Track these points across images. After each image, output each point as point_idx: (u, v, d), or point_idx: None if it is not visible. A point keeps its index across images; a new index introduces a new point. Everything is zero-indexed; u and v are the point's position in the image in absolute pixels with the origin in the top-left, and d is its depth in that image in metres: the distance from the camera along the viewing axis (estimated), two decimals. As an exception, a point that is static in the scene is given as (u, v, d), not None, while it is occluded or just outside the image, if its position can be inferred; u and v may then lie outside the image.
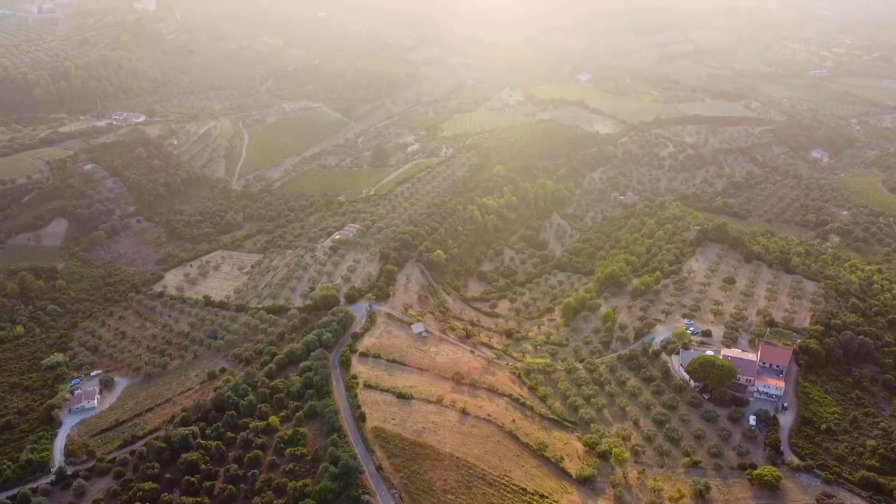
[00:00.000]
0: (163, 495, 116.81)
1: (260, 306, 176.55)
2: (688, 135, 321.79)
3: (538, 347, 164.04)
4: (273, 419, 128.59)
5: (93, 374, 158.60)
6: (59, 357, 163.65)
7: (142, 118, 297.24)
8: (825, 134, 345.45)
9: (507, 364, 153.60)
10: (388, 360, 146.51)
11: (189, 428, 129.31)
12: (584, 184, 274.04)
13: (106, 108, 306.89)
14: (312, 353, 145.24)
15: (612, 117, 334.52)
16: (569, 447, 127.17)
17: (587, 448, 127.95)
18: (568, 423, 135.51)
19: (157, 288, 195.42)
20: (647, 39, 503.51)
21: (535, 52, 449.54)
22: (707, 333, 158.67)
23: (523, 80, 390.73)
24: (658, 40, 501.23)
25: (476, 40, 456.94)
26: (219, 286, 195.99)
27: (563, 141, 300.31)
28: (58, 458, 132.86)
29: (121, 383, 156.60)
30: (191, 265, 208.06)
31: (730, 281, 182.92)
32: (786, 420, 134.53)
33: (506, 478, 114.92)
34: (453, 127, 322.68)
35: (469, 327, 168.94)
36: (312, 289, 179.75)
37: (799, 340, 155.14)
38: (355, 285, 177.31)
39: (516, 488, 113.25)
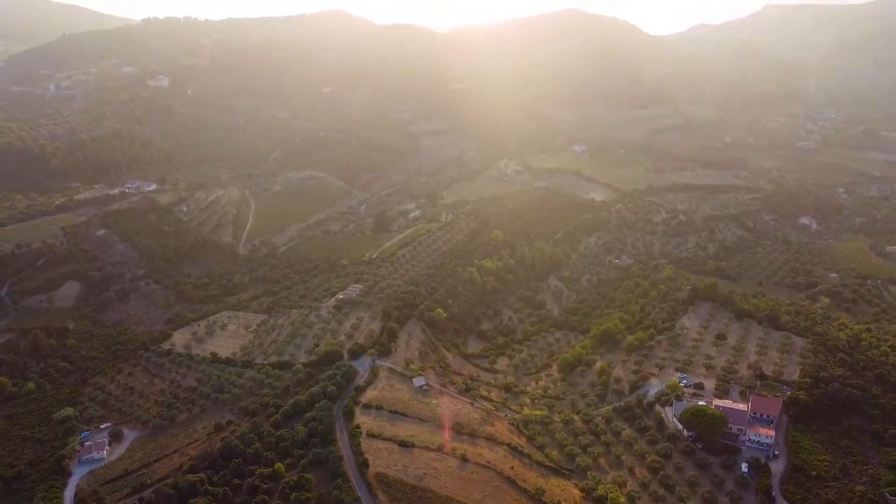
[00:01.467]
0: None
1: (266, 362, 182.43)
2: (680, 202, 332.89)
3: (536, 401, 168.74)
4: (279, 466, 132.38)
5: (102, 426, 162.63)
6: (69, 411, 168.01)
7: (153, 186, 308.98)
8: (813, 202, 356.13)
9: (506, 415, 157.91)
10: (390, 412, 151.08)
11: (197, 475, 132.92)
12: (580, 248, 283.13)
13: (119, 177, 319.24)
14: (317, 405, 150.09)
15: (606, 185, 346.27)
16: (566, 493, 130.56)
17: (584, 494, 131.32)
18: (565, 471, 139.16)
19: (166, 346, 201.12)
20: (639, 113, 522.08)
21: (532, 125, 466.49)
22: (700, 386, 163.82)
23: (521, 151, 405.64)
24: (650, 114, 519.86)
25: (475, 114, 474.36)
26: (225, 344, 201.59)
27: (560, 207, 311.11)
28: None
29: (129, 435, 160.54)
30: (198, 325, 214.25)
31: (721, 337, 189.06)
32: (777, 467, 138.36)
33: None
34: (453, 195, 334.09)
35: (469, 381, 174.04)
36: (317, 345, 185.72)
37: (789, 392, 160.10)
38: (358, 341, 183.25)
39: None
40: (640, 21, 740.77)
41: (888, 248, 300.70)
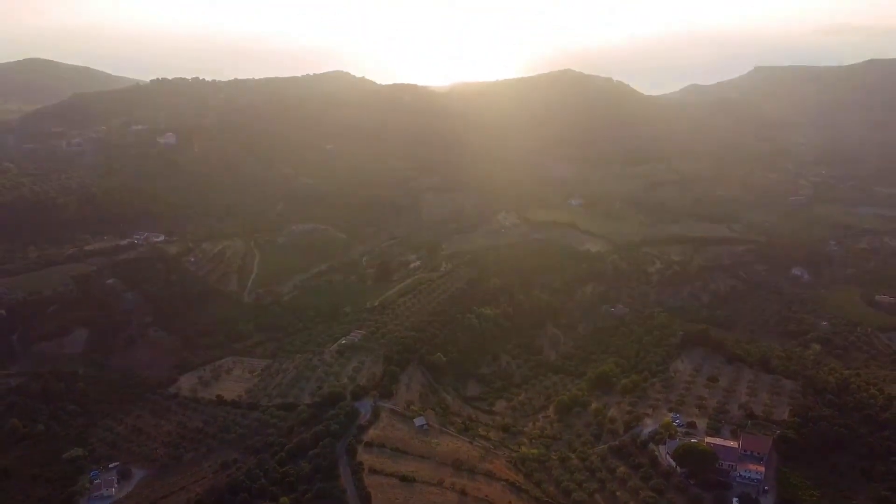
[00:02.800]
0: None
1: (270, 404, 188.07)
2: (674, 253, 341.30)
3: (533, 440, 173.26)
4: (284, 500, 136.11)
5: (111, 465, 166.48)
6: (78, 451, 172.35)
7: (161, 238, 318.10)
8: (805, 253, 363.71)
9: (504, 454, 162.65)
10: (391, 449, 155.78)
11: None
12: (577, 297, 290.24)
13: (128, 228, 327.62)
14: (321, 443, 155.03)
15: (602, 237, 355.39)
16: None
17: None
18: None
19: (172, 390, 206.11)
20: (634, 169, 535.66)
21: (529, 180, 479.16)
22: (692, 425, 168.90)
23: (518, 205, 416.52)
24: (644, 169, 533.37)
25: (473, 169, 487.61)
26: (231, 388, 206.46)
27: (556, 258, 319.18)
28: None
29: (138, 474, 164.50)
30: (204, 369, 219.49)
31: (713, 380, 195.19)
32: (767, 502, 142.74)
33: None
34: (453, 246, 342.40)
35: (468, 422, 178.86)
36: (320, 388, 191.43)
37: (778, 431, 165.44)
38: (361, 384, 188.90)
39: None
40: (633, 81, 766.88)
41: (877, 298, 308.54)
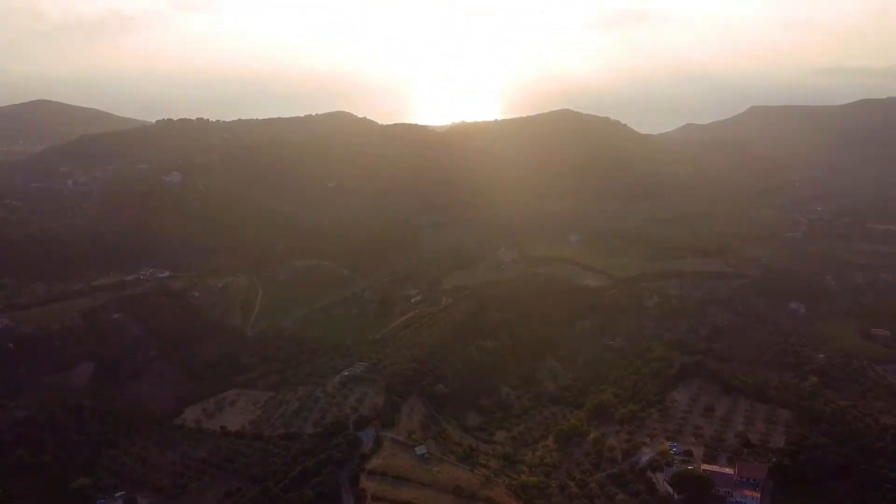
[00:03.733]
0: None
1: (274, 434, 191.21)
2: (671, 287, 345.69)
3: (533, 468, 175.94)
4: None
5: (116, 494, 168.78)
6: (84, 481, 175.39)
7: (166, 273, 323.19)
8: (801, 288, 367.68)
9: (504, 481, 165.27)
10: (393, 477, 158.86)
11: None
12: (576, 330, 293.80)
13: (134, 264, 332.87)
14: (324, 471, 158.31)
15: (600, 272, 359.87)
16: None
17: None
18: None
19: (177, 421, 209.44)
20: (632, 206, 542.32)
21: (528, 217, 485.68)
22: (689, 453, 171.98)
23: (518, 241, 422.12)
24: (643, 206, 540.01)
25: (472, 206, 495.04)
26: (235, 419, 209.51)
27: (556, 292, 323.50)
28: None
29: (143, 503, 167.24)
30: (208, 401, 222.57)
31: (710, 409, 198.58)
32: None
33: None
34: (453, 281, 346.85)
35: (468, 451, 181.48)
36: (323, 418, 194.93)
37: (774, 459, 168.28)
38: (363, 414, 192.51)
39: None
40: (631, 121, 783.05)
41: (873, 331, 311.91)
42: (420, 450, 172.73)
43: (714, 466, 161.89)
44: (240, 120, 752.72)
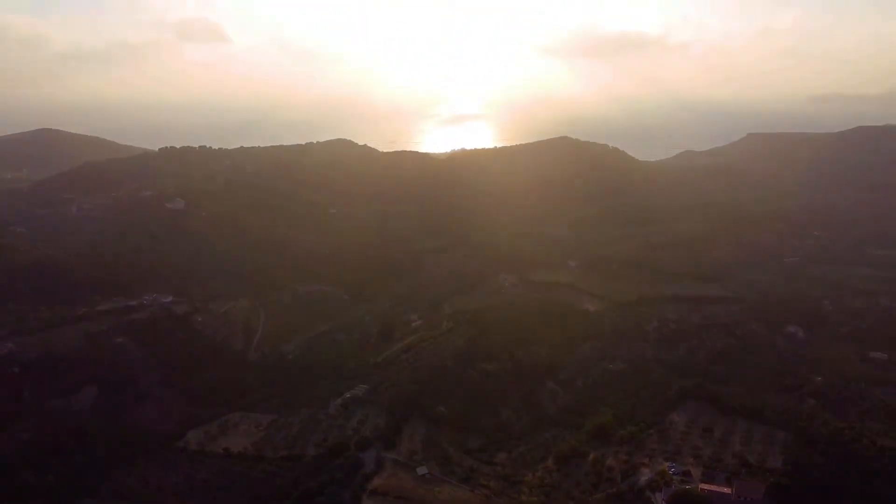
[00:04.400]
0: None
1: (276, 456, 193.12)
2: (670, 312, 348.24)
3: (533, 489, 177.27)
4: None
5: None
6: (88, 502, 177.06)
7: (169, 298, 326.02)
8: (800, 312, 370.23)
9: (504, 501, 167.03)
10: (395, 497, 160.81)
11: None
12: (575, 354, 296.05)
13: (138, 290, 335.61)
14: (326, 491, 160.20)
15: (600, 297, 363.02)
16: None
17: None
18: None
19: (180, 444, 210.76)
20: (631, 231, 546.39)
21: (529, 242, 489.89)
22: (687, 473, 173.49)
23: (518, 266, 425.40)
24: (642, 232, 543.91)
25: (473, 231, 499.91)
26: (237, 442, 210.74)
27: (555, 316, 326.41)
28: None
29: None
30: (211, 424, 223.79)
31: (708, 430, 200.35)
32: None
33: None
34: (454, 305, 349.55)
35: (469, 472, 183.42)
36: (325, 440, 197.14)
37: (772, 479, 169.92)
38: (365, 435, 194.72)
39: None
40: (629, 147, 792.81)
41: (871, 355, 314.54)
42: (421, 470, 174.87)
43: (712, 486, 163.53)
44: (242, 148, 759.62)
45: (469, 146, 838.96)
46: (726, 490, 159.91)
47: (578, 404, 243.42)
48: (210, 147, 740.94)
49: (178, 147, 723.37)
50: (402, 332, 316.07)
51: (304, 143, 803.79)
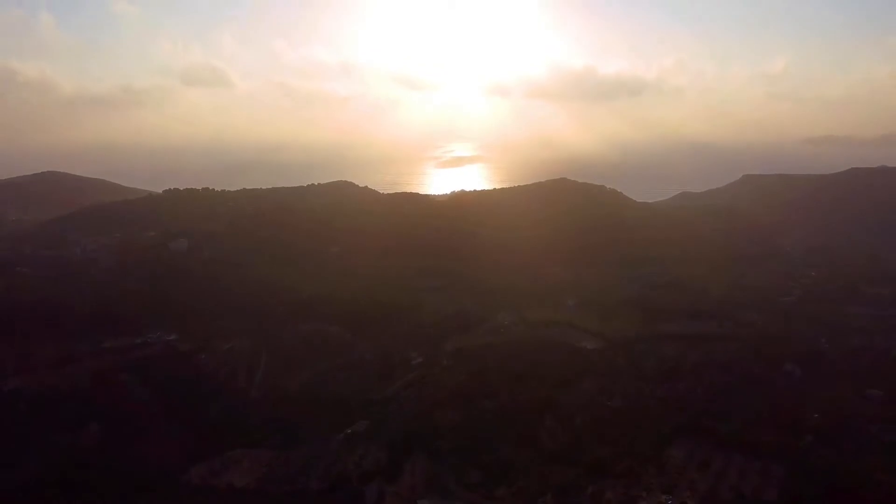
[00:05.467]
0: None
1: (279, 491, 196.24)
2: (668, 349, 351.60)
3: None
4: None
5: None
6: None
7: (173, 336, 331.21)
8: (796, 350, 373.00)
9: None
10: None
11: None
12: (574, 391, 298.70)
13: (142, 328, 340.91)
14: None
15: (598, 335, 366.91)
16: None
17: None
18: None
19: (183, 479, 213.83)
20: (629, 271, 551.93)
21: (528, 281, 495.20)
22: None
23: (516, 305, 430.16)
24: (639, 271, 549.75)
25: (473, 272, 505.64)
26: (241, 477, 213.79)
27: (554, 354, 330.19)
28: None
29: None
30: (214, 460, 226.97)
31: (705, 464, 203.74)
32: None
33: None
34: (453, 343, 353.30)
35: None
36: (328, 474, 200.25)
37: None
38: (366, 469, 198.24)
39: None
40: (626, 189, 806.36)
41: (868, 392, 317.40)
42: (422, 503, 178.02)
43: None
44: (244, 189, 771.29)
45: (469, 188, 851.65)
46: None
47: (577, 440, 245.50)
48: (213, 188, 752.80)
49: (181, 189, 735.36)
50: (402, 369, 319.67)
51: (305, 184, 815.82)
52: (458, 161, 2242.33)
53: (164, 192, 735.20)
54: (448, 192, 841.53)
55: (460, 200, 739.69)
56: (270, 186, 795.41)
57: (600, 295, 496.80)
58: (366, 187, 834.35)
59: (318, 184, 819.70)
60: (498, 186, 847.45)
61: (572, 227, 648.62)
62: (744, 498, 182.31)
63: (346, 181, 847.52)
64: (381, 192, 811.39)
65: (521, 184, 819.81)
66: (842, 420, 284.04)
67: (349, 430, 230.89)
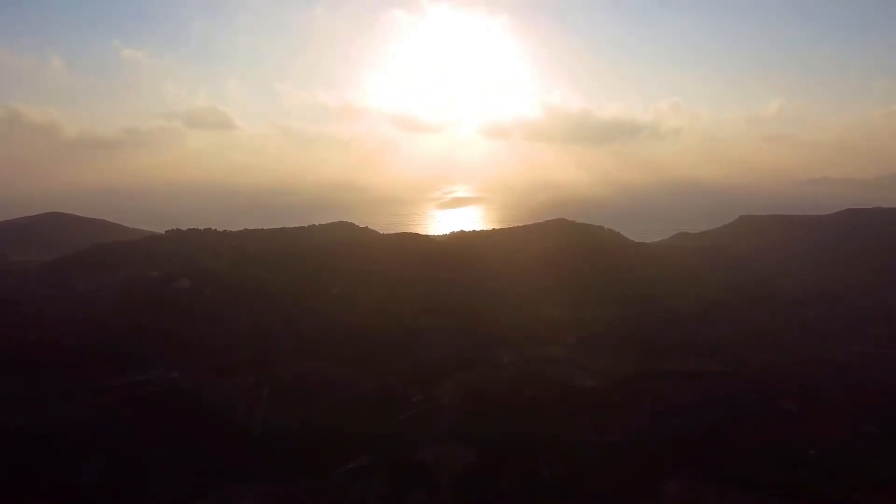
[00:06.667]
0: None
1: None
2: (666, 386, 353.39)
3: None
4: None
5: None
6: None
7: (176, 373, 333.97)
8: (793, 387, 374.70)
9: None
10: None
11: None
12: (573, 427, 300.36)
13: (145, 365, 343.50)
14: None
15: (596, 373, 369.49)
16: None
17: None
18: None
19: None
20: (627, 310, 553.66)
21: (527, 320, 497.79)
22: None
23: (516, 343, 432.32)
24: (637, 310, 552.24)
25: (472, 310, 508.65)
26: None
27: (553, 391, 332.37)
28: None
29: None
30: (216, 495, 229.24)
31: (701, 497, 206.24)
32: None
33: None
34: (454, 381, 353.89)
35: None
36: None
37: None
38: (368, 502, 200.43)
39: None
40: (624, 229, 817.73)
41: (864, 428, 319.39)
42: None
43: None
44: (246, 230, 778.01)
45: (468, 228, 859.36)
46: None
47: (576, 474, 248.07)
48: (215, 229, 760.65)
49: (184, 229, 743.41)
50: (402, 405, 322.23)
51: (306, 225, 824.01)
52: (458, 202, 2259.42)
53: (167, 231, 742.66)
54: (448, 232, 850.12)
55: (460, 240, 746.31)
56: (272, 227, 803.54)
57: (599, 332, 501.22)
58: (366, 227, 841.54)
59: (319, 224, 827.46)
60: (497, 226, 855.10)
61: (571, 266, 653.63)
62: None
63: (346, 222, 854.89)
64: (381, 232, 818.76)
65: (521, 224, 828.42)
66: (838, 456, 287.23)
67: (350, 465, 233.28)
